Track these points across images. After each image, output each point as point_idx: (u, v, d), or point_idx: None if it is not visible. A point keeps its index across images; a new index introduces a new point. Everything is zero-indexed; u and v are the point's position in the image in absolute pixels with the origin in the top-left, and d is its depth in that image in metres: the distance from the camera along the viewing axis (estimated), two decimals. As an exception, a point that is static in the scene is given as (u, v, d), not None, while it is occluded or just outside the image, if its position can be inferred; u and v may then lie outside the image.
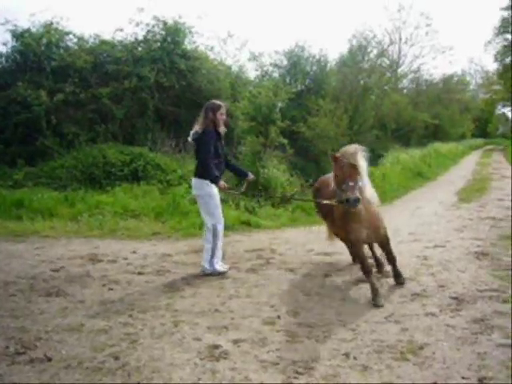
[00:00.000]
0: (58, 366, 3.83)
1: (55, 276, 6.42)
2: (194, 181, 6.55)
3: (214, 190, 6.39)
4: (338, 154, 5.43)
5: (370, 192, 5.50)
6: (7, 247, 8.09)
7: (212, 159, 6.31)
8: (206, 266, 6.40)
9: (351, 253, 6.57)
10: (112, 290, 5.84)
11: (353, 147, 5.51)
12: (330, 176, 6.43)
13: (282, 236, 9.32)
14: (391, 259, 5.87)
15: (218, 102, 6.64)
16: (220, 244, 6.49)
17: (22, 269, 6.73)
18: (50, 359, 3.93)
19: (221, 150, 6.51)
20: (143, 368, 3.78)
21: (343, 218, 5.52)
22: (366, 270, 5.42)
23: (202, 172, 6.36)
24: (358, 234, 5.46)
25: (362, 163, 5.28)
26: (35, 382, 3.58)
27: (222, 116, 6.46)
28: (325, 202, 5.93)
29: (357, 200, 5.03)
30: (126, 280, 6.23)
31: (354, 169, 5.20)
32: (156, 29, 16.43)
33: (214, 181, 6.31)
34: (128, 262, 7.17)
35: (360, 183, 5.22)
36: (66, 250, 7.91)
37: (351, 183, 5.12)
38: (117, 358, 3.94)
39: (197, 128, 6.44)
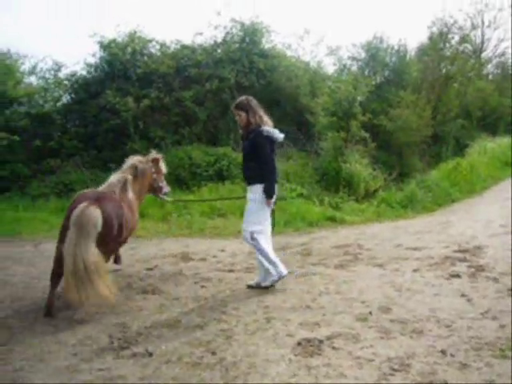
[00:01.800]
0: (159, 360, 3.99)
1: (150, 274, 6.70)
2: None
3: None
4: None
5: None
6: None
7: None
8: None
9: None
10: (204, 287, 6.02)
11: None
12: None
13: (368, 231, 9.25)
14: None
15: (234, 103, 6.09)
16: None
17: (119, 268, 7.06)
18: (151, 354, 4.10)
19: (243, 153, 6.08)
20: (240, 363, 3.87)
21: None
22: None
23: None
24: None
25: None
26: (139, 376, 3.76)
27: (237, 118, 5.97)
28: None
29: None
30: (218, 277, 6.40)
31: None
32: (234, 30, 16.67)
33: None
34: (218, 260, 7.37)
35: None
36: (159, 249, 8.22)
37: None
38: (214, 353, 4.05)
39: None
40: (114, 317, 5.08)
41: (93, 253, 4.93)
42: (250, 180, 5.87)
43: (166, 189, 7.00)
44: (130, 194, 6.10)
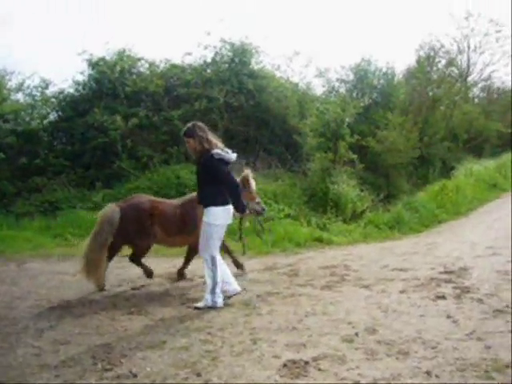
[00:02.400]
0: (143, 382, 3.94)
1: (136, 294, 6.66)
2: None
3: None
4: None
5: None
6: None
7: None
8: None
9: None
10: (190, 307, 5.98)
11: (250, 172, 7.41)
12: None
13: (355, 252, 9.26)
14: None
15: (184, 129, 6.17)
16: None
17: (105, 288, 7.01)
18: (135, 375, 4.05)
19: (197, 178, 6.29)
20: (225, 385, 3.85)
21: None
22: None
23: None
24: None
25: None
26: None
27: (188, 145, 6.11)
28: None
29: None
30: (203, 298, 6.35)
31: None
32: (223, 50, 16.78)
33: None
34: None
35: None
36: (145, 269, 8.15)
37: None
38: (199, 375, 4.01)
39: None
40: (98, 337, 5.03)
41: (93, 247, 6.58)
42: (205, 203, 5.96)
43: (258, 207, 7.38)
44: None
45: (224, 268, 6.13)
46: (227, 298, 6.09)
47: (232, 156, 6.09)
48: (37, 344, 4.86)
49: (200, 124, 6.11)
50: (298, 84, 19.43)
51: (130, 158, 14.56)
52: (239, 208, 6.07)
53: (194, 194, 6.83)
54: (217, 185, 5.89)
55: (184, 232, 7.07)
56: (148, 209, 6.95)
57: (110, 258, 7.05)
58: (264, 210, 7.53)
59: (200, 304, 5.95)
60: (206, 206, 5.94)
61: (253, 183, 7.34)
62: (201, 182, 6.05)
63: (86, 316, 5.79)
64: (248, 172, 7.43)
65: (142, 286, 7.08)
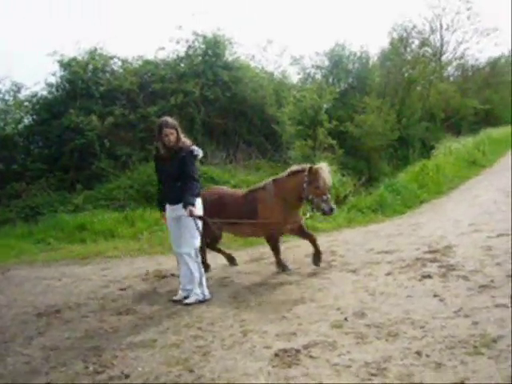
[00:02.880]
0: (136, 382, 3.94)
1: (123, 295, 6.61)
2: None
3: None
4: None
5: None
6: (74, 270, 8.38)
7: (159, 187, 6.27)
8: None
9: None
10: (179, 304, 5.96)
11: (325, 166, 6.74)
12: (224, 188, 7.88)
13: (340, 237, 9.29)
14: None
15: (161, 120, 6.01)
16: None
17: (91, 290, 6.96)
18: (127, 376, 4.05)
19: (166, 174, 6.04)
20: (218, 379, 3.84)
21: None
22: None
23: None
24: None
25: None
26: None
27: (165, 137, 5.84)
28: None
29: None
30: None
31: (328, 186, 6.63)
32: (196, 43, 16.73)
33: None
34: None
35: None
36: (131, 268, 8.13)
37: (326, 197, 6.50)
38: (191, 371, 4.01)
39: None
40: (88, 340, 5.00)
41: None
42: (178, 199, 5.89)
43: (325, 205, 6.53)
44: (267, 194, 6.88)
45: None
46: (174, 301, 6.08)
47: (200, 152, 6.07)
48: (26, 352, 4.82)
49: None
50: (274, 73, 19.48)
51: (109, 157, 14.46)
52: (186, 205, 5.78)
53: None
54: (189, 179, 5.85)
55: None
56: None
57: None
58: (332, 210, 6.60)
59: (190, 299, 5.92)
60: (177, 202, 5.94)
61: (324, 177, 6.54)
62: (174, 177, 5.91)
63: (75, 320, 5.75)
64: (321, 165, 6.74)
65: (129, 285, 7.03)
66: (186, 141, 5.96)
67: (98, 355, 4.56)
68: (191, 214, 5.72)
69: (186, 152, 5.88)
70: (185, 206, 5.75)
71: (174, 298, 6.09)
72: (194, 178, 5.87)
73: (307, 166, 6.70)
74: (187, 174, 5.85)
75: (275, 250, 7.05)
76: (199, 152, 6.00)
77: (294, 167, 6.91)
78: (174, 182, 5.92)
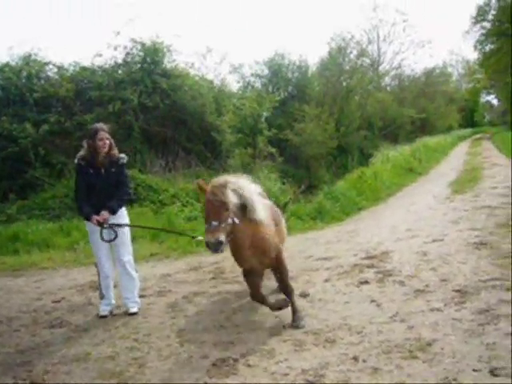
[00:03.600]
0: (67, 397, 3.80)
1: (57, 307, 6.39)
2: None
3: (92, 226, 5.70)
4: (205, 185, 4.66)
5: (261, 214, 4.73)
6: (6, 282, 8.05)
7: (83, 195, 5.72)
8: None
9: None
10: (115, 315, 5.81)
11: (222, 179, 4.61)
12: None
13: (280, 245, 9.30)
14: (287, 292, 5.04)
15: (96, 125, 5.83)
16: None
17: (24, 303, 6.71)
18: (59, 392, 3.90)
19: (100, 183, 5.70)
20: (153, 392, 3.76)
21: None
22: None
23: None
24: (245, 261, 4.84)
25: (233, 199, 4.45)
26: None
27: (100, 141, 5.59)
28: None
29: (217, 244, 4.20)
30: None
31: (221, 205, 4.32)
32: (134, 51, 16.50)
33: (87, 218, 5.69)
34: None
35: (229, 221, 4.35)
36: (66, 279, 7.89)
37: (215, 223, 4.25)
38: (126, 384, 3.91)
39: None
40: (19, 356, 4.81)
41: None
42: (121, 205, 5.82)
43: None
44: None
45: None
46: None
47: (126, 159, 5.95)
48: (-50, 369, 4.57)
49: None
50: (213, 81, 19.44)
51: (44, 166, 14.03)
52: (115, 210, 5.66)
53: None
54: (120, 187, 5.75)
55: None
56: None
57: None
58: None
59: (134, 309, 5.80)
60: (120, 207, 5.80)
61: None
62: (111, 185, 5.71)
63: (5, 334, 5.52)
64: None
65: (63, 297, 6.80)
66: (115, 150, 5.82)
67: (28, 371, 4.39)
68: (100, 221, 5.50)
69: (122, 161, 5.79)
70: (106, 209, 5.56)
71: (102, 313, 5.82)
72: (128, 186, 5.86)
73: None
74: (125, 184, 5.79)
75: None
76: (125, 159, 5.91)
77: None
78: (110, 189, 5.71)
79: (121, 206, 5.78)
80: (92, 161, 5.69)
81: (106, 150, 5.64)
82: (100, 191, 5.68)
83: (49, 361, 4.58)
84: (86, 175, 5.71)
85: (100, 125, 5.81)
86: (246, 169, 13.86)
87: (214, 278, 7.12)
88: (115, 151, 5.78)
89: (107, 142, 5.65)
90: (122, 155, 5.83)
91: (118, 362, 4.39)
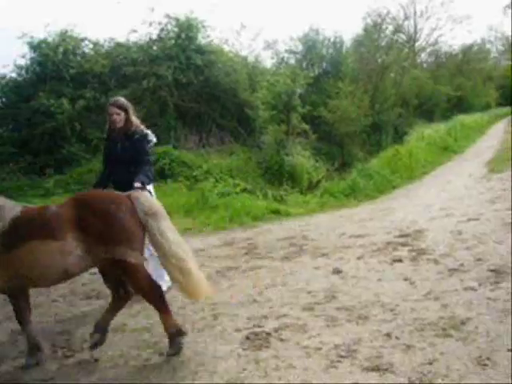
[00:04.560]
0: (105, 365, 3.90)
1: (93, 279, 6.49)
2: None
3: None
4: None
5: None
6: (44, 255, 8.24)
7: (102, 167, 5.79)
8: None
9: None
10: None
11: None
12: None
13: (313, 222, 9.32)
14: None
15: (111, 98, 5.79)
16: None
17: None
18: (97, 360, 4.00)
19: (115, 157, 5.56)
20: (188, 363, 3.82)
21: None
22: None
23: None
24: None
25: None
26: (85, 383, 3.66)
27: (110, 116, 5.42)
28: None
29: None
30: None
31: None
32: (169, 26, 16.52)
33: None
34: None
35: None
36: (102, 252, 8.03)
37: None
38: (161, 354, 3.99)
39: None
40: (57, 325, 4.95)
41: None
42: (127, 185, 5.26)
43: None
44: None
45: None
46: None
47: (154, 139, 5.72)
48: (-7, 336, 4.74)
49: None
50: (247, 57, 19.34)
51: (80, 141, 14.26)
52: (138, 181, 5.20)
53: None
54: (142, 165, 5.38)
55: None
56: None
57: None
58: None
59: (164, 287, 5.83)
60: (147, 184, 5.38)
61: None
62: (125, 161, 5.43)
63: (44, 305, 5.65)
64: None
65: (100, 270, 6.94)
66: (138, 124, 5.52)
67: (67, 339, 4.51)
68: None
69: (140, 136, 5.48)
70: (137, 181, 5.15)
71: None
72: (147, 163, 5.48)
73: None
74: (140, 160, 5.41)
75: None
76: (153, 138, 5.66)
77: None
78: (124, 166, 5.46)
79: (147, 181, 5.35)
80: (109, 134, 5.62)
81: (119, 124, 5.40)
82: (115, 166, 5.52)
83: (86, 330, 4.68)
84: (105, 148, 5.73)
85: (112, 99, 5.64)
86: (280, 145, 13.83)
87: (246, 254, 7.18)
88: (132, 125, 5.44)
89: (117, 117, 5.38)
90: (147, 131, 5.57)
91: (154, 333, 4.47)
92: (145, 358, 3.97)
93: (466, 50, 39.86)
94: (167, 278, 5.79)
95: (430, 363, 3.45)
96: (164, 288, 5.75)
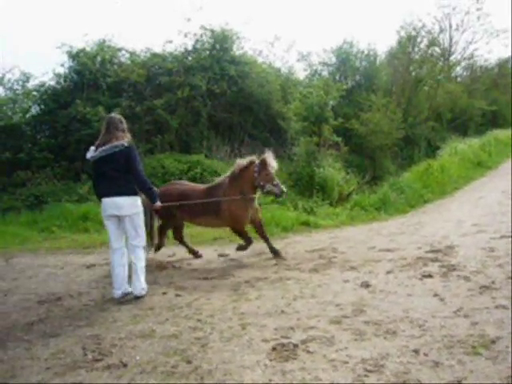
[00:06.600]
0: (133, 371, 3.95)
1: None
2: (127, 199, 5.90)
3: None
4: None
5: None
6: (78, 259, 8.42)
7: None
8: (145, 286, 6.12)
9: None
10: (179, 295, 5.98)
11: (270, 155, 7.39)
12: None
13: (342, 234, 9.30)
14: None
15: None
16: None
17: (93, 279, 7.00)
18: (125, 365, 4.06)
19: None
20: (215, 371, 3.85)
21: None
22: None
23: (141, 188, 6.06)
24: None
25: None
26: (113, 388, 3.73)
27: None
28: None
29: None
30: (192, 285, 6.36)
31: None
32: (204, 37, 16.74)
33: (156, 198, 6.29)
34: (192, 268, 7.35)
35: None
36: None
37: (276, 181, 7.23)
38: (189, 362, 4.03)
39: (116, 142, 5.90)
40: (88, 329, 5.02)
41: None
42: (133, 192, 5.98)
43: (276, 189, 7.32)
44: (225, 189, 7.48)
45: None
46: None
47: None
48: (27, 337, 4.85)
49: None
50: (281, 69, 19.48)
51: (114, 148, 14.45)
52: (153, 198, 6.29)
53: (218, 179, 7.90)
54: (137, 173, 5.94)
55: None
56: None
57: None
58: (282, 192, 7.36)
59: (142, 292, 6.02)
60: (134, 194, 5.98)
61: (272, 164, 7.34)
62: (118, 170, 5.89)
63: (75, 308, 5.77)
64: (268, 154, 7.44)
65: (130, 275, 7.05)
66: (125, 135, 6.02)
67: (97, 343, 4.58)
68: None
69: (127, 147, 5.91)
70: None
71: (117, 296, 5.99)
72: (141, 171, 6.00)
73: (254, 158, 7.47)
74: (135, 169, 5.91)
75: (246, 237, 7.63)
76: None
77: (241, 161, 7.56)
78: (117, 174, 5.91)
79: (149, 194, 6.20)
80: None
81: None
82: (108, 174, 5.98)
83: (116, 335, 4.77)
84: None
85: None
86: (311, 157, 13.84)
87: (275, 264, 7.21)
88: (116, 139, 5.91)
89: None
90: (128, 141, 5.99)
91: (182, 340, 4.52)
92: (172, 364, 4.01)
93: (502, 64, 39.22)
94: (144, 285, 6.02)
95: (459, 381, 3.41)
96: (143, 292, 5.96)
